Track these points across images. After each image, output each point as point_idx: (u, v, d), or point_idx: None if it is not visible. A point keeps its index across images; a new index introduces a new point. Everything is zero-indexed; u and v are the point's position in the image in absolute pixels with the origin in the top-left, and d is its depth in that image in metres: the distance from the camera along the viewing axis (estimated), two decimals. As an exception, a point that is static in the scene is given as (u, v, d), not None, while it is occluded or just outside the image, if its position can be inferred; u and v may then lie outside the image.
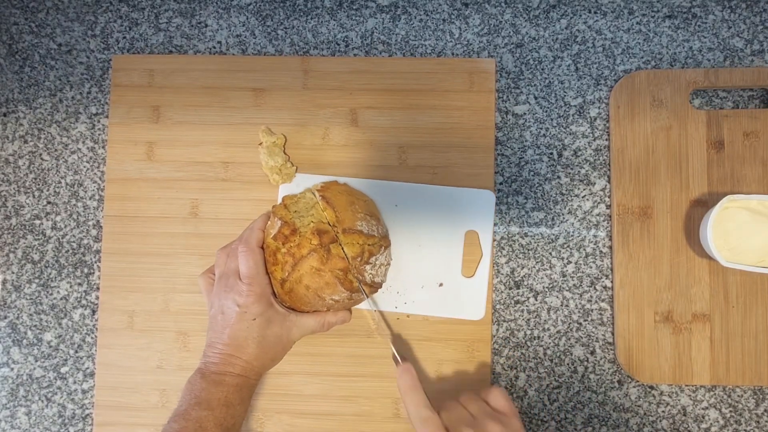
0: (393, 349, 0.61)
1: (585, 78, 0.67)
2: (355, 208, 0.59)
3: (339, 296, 0.57)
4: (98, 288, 0.68)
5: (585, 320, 0.65)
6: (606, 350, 0.65)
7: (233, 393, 0.53)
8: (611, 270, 0.65)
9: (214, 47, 0.70)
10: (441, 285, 0.64)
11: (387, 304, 0.65)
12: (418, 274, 0.65)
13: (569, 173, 0.67)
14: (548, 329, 0.65)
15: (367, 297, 0.60)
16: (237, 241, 0.59)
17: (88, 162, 0.69)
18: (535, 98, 0.67)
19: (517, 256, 0.66)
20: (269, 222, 0.59)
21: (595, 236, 0.66)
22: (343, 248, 0.56)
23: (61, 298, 0.68)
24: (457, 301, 0.64)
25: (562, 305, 0.65)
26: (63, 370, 0.67)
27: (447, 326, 0.65)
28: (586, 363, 0.65)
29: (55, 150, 0.69)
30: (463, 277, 0.64)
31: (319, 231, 0.56)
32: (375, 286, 0.60)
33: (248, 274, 0.56)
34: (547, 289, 0.66)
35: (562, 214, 0.66)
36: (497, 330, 0.66)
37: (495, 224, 0.66)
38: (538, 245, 0.66)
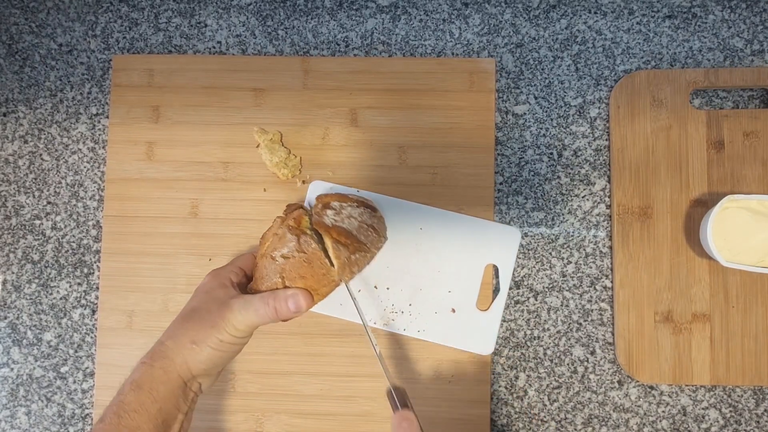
0: (391, 389, 0.52)
1: (585, 78, 0.67)
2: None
3: (287, 248, 0.51)
4: (98, 288, 0.68)
5: (585, 320, 0.65)
6: (606, 350, 0.65)
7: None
8: (611, 270, 0.65)
9: (214, 47, 0.70)
10: (453, 311, 0.64)
11: (397, 326, 0.64)
12: (433, 300, 0.64)
13: (569, 173, 0.67)
14: (548, 329, 0.65)
15: (320, 247, 0.52)
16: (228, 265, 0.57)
17: (88, 162, 0.69)
18: (535, 98, 0.67)
19: (517, 256, 0.66)
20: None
21: (595, 236, 0.66)
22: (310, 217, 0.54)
23: (60, 298, 0.68)
24: (467, 333, 0.64)
25: (562, 305, 0.65)
26: (63, 369, 0.67)
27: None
28: (586, 363, 0.65)
29: (56, 150, 0.69)
30: (477, 310, 0.64)
31: (289, 205, 0.55)
32: (337, 232, 0.53)
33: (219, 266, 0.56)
34: (547, 289, 0.66)
35: (562, 214, 0.66)
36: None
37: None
38: (538, 245, 0.66)
